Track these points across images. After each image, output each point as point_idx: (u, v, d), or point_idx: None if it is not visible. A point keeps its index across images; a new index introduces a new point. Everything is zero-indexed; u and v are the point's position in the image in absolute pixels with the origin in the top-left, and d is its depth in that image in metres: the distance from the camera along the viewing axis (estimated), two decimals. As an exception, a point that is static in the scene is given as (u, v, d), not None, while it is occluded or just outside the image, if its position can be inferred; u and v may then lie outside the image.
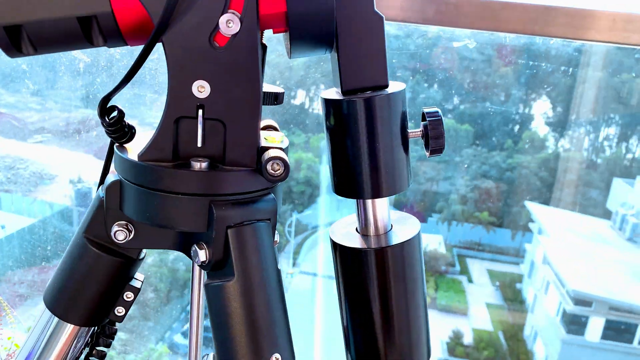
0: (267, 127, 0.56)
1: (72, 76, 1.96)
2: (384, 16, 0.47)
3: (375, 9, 0.47)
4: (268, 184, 0.48)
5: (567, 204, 3.16)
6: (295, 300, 3.78)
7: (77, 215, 2.85)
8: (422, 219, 4.53)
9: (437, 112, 0.50)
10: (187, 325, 0.60)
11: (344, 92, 0.49)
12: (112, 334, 0.53)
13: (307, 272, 4.10)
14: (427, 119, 0.50)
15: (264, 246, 0.46)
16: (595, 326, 3.54)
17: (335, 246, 0.52)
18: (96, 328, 0.53)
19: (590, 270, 3.63)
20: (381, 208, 0.51)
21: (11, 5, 0.42)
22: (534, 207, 3.59)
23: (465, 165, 3.40)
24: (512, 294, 4.31)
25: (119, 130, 0.48)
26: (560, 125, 3.14)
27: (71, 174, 2.75)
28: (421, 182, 3.49)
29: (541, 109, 3.21)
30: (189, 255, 0.47)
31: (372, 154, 0.48)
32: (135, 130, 0.50)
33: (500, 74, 2.71)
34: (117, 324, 0.55)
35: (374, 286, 0.50)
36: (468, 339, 4.11)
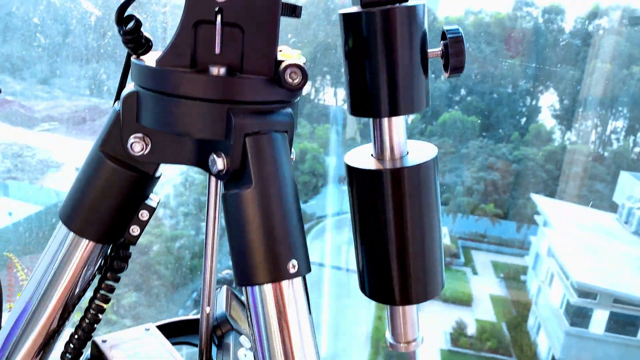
0: (281, 50, 0.56)
1: (79, 65, 1.96)
2: None
3: None
4: (286, 95, 0.47)
5: (573, 196, 3.15)
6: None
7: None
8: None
9: (458, 29, 0.49)
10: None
11: (363, 5, 0.47)
12: (126, 258, 0.52)
13: (313, 262, 4.12)
14: (448, 36, 0.49)
15: (281, 156, 0.45)
16: (599, 318, 3.54)
17: (351, 171, 0.50)
18: (110, 251, 0.53)
19: (595, 262, 3.62)
20: (397, 129, 0.50)
21: None
22: (539, 200, 3.58)
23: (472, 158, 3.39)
24: (516, 286, 4.32)
25: (136, 40, 0.47)
26: (567, 118, 3.12)
27: (77, 161, 2.77)
28: (426, 174, 3.48)
29: (548, 101, 3.19)
30: (206, 169, 0.47)
31: (390, 70, 0.47)
32: (152, 43, 0.49)
33: (508, 65, 2.69)
34: (135, 243, 0.53)
35: (390, 209, 0.48)
36: (471, 330, 4.13)
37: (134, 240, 0.51)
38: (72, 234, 0.50)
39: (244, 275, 0.44)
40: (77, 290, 0.53)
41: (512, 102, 3.10)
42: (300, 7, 0.50)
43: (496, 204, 3.80)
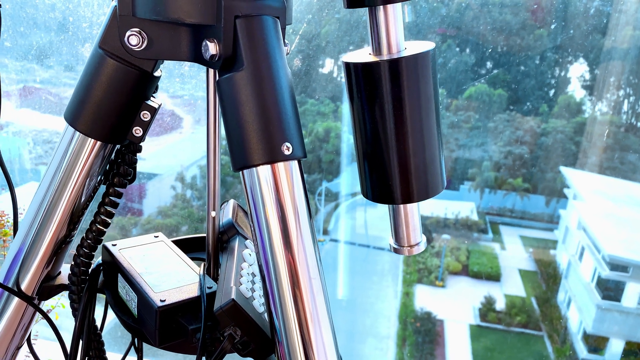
0: None
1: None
2: None
3: None
4: None
5: (604, 169, 3.08)
6: (325, 268, 3.83)
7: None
8: (454, 186, 4.49)
9: None
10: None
11: None
12: (132, 163, 0.54)
13: (337, 240, 4.14)
14: None
15: (272, 39, 0.45)
16: (631, 291, 3.49)
17: (348, 67, 0.50)
18: (116, 157, 0.54)
19: (628, 235, 3.55)
20: (394, 20, 0.49)
21: None
22: (569, 173, 3.51)
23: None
24: (545, 260, 4.27)
25: None
26: (597, 88, 3.04)
27: (106, 146, 2.81)
28: (453, 149, 3.45)
29: (578, 71, 3.10)
30: (202, 62, 0.48)
31: None
32: None
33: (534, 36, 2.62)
34: (139, 143, 0.54)
35: (388, 102, 0.48)
36: (500, 305, 4.11)
37: (137, 140, 0.52)
38: (78, 134, 0.52)
39: (240, 158, 0.44)
40: (84, 194, 0.54)
41: (540, 74, 3.03)
42: None
43: (524, 178, 3.74)
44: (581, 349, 3.62)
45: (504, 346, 3.99)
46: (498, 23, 2.55)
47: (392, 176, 0.50)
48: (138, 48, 0.48)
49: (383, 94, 0.48)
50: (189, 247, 0.65)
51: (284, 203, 0.45)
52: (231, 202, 0.65)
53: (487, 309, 4.08)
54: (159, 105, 0.53)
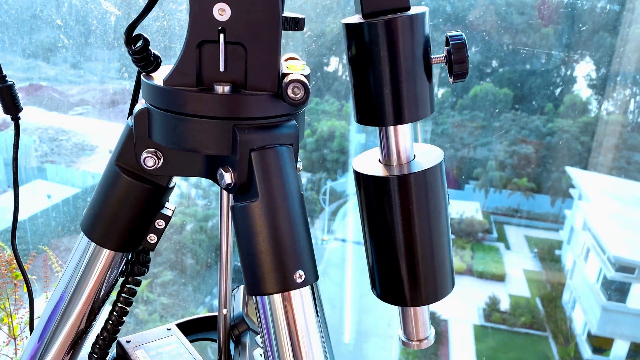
0: (289, 59, 0.56)
1: (107, 50, 1.98)
2: None
3: None
4: (290, 109, 0.48)
5: (610, 168, 3.07)
6: (330, 266, 3.83)
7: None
8: (459, 185, 4.48)
9: (461, 35, 0.49)
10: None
11: (364, 15, 0.47)
12: (145, 262, 0.55)
13: (342, 239, 4.13)
14: (450, 42, 0.49)
15: (287, 169, 0.46)
16: (637, 293, 3.47)
17: (358, 176, 0.52)
18: (131, 257, 0.55)
19: (634, 236, 3.54)
20: (404, 136, 0.50)
21: None
22: (574, 172, 3.50)
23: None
24: (550, 260, 4.25)
25: (145, 59, 0.49)
26: (603, 88, 3.02)
27: (111, 144, 2.82)
28: (458, 148, 3.44)
29: (584, 70, 3.09)
30: (216, 180, 0.48)
31: (393, 79, 0.47)
32: (161, 60, 0.51)
33: (540, 34, 2.61)
34: (153, 249, 0.56)
35: (397, 214, 0.49)
36: (505, 305, 4.10)
37: (152, 247, 0.54)
38: (93, 244, 0.54)
39: (254, 286, 0.46)
40: (101, 293, 0.56)
41: (545, 73, 3.01)
42: (303, 19, 0.51)
43: (529, 178, 3.73)
44: (586, 349, 3.61)
45: (508, 346, 3.97)
46: (504, 21, 2.54)
47: (401, 280, 0.51)
48: (154, 167, 0.50)
49: (392, 206, 0.49)
50: (200, 327, 0.66)
51: (296, 330, 0.46)
52: (241, 289, 0.66)
53: (491, 309, 4.07)
54: (173, 211, 0.55)
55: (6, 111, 0.55)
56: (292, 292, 0.45)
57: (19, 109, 0.55)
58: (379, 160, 0.52)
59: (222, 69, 0.46)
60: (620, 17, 2.43)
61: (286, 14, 0.50)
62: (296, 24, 0.51)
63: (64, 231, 2.62)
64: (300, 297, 0.46)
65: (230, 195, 0.52)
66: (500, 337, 3.97)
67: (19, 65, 1.99)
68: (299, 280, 0.45)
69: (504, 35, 2.55)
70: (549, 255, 4.25)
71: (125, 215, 0.52)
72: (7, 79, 0.54)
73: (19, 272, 1.18)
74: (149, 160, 0.49)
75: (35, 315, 0.61)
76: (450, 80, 0.49)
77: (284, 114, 0.48)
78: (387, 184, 0.49)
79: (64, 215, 2.76)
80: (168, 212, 0.54)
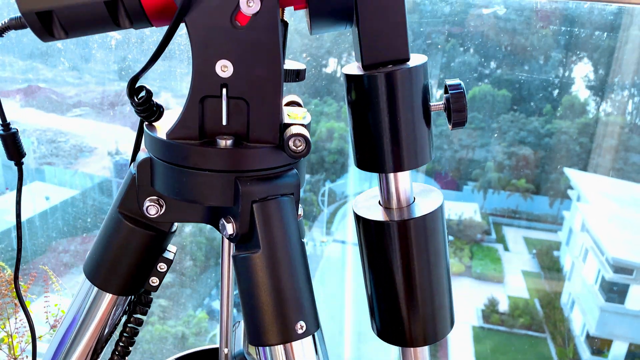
0: (291, 103, 0.57)
1: (106, 52, 1.99)
2: None
3: None
4: (291, 159, 0.49)
5: (608, 170, 3.07)
6: (328, 268, 3.83)
7: (116, 187, 2.93)
8: (457, 187, 4.48)
9: (460, 84, 0.50)
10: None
11: (364, 67, 0.48)
12: (147, 303, 0.56)
13: (340, 241, 4.13)
14: (449, 91, 0.49)
15: (288, 220, 0.47)
16: (635, 294, 3.47)
17: (358, 219, 0.53)
18: (133, 297, 0.56)
19: (632, 237, 3.54)
20: (403, 181, 0.51)
21: None
22: (573, 174, 3.50)
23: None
24: (549, 262, 4.25)
25: (148, 110, 0.50)
26: (602, 89, 3.03)
27: (109, 146, 2.82)
28: (456, 150, 3.44)
29: (582, 71, 3.09)
30: (218, 228, 0.49)
31: (393, 128, 0.48)
32: (163, 109, 0.51)
33: (537, 37, 2.61)
34: (155, 291, 0.57)
35: (397, 258, 0.50)
36: (504, 307, 4.10)
37: (154, 289, 0.55)
38: (95, 288, 0.54)
39: (255, 336, 0.46)
40: (104, 334, 0.57)
41: (544, 74, 3.01)
42: (304, 70, 0.52)
43: (528, 179, 3.73)
44: (584, 350, 3.61)
45: (507, 348, 3.97)
46: (502, 22, 2.55)
47: (401, 322, 0.52)
48: (156, 215, 0.51)
49: (392, 250, 0.50)
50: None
51: None
52: (241, 325, 0.67)
53: (490, 310, 4.07)
54: (175, 254, 0.56)
55: (10, 157, 0.56)
56: (293, 343, 0.46)
57: (22, 155, 0.56)
58: (379, 202, 0.53)
59: (224, 122, 0.47)
60: (619, 18, 2.44)
61: (287, 65, 0.51)
62: (297, 75, 0.52)
63: (62, 233, 2.62)
64: (302, 348, 0.46)
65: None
66: (499, 338, 3.97)
67: (18, 67, 1.99)
68: (300, 331, 0.46)
69: (502, 36, 2.55)
70: (547, 256, 4.25)
71: (127, 261, 0.53)
72: (10, 126, 0.55)
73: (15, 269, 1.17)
74: (152, 209, 0.50)
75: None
76: (449, 127, 0.50)
77: (285, 164, 0.49)
78: (387, 229, 0.50)
79: (63, 217, 2.75)
80: (170, 256, 0.55)
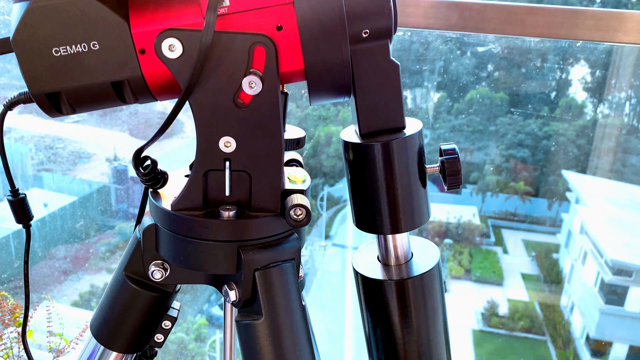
0: (291, 161, 0.58)
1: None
2: (399, 64, 0.49)
3: (391, 57, 0.48)
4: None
5: (606, 171, 3.08)
6: (328, 272, 3.82)
7: (115, 193, 2.93)
8: (456, 190, 4.46)
9: (454, 149, 0.51)
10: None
11: (362, 135, 0.50)
12: (152, 356, 0.57)
13: (339, 245, 4.13)
14: (444, 156, 0.51)
15: (289, 287, 0.48)
16: (635, 296, 3.47)
17: (357, 275, 0.54)
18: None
19: (631, 239, 3.54)
20: (401, 241, 0.53)
21: (51, 75, 0.46)
22: (571, 176, 3.51)
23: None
24: (548, 264, 4.25)
25: (153, 179, 0.52)
26: (599, 90, 3.04)
27: (107, 152, 2.82)
28: (454, 153, 3.44)
29: (579, 74, 3.10)
30: (221, 291, 0.51)
31: (390, 194, 0.50)
32: (167, 175, 0.53)
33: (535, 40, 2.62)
34: (160, 347, 0.58)
35: (396, 315, 0.51)
36: (503, 310, 4.10)
37: (159, 345, 0.57)
38: (101, 346, 0.55)
39: None
40: None
41: (541, 76, 3.02)
42: (304, 137, 0.53)
43: (526, 182, 3.74)
44: (585, 353, 3.61)
45: (507, 351, 3.97)
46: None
47: None
48: (161, 279, 0.52)
49: (390, 307, 0.52)
50: None
51: None
52: None
53: (490, 313, 4.06)
54: (179, 310, 0.58)
55: (18, 221, 0.58)
56: None
57: (30, 218, 0.58)
58: (378, 258, 0.55)
59: (227, 194, 0.48)
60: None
61: (287, 134, 0.53)
62: (297, 144, 0.54)
63: (60, 240, 2.61)
64: None
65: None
66: (499, 341, 3.96)
67: (16, 73, 1.98)
68: None
69: (499, 39, 2.56)
70: (546, 259, 4.25)
71: (132, 321, 0.55)
72: (19, 192, 0.57)
73: (22, 321, 1.18)
74: (157, 273, 0.52)
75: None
76: (445, 188, 0.51)
77: (286, 230, 0.50)
78: (385, 287, 0.52)
79: (61, 224, 2.75)
80: (174, 313, 0.57)
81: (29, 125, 2.46)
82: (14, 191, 0.57)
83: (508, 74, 2.88)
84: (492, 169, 3.65)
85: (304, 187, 0.51)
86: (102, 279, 2.95)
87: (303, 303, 0.51)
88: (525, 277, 4.37)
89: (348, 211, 4.25)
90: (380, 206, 0.50)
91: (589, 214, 3.64)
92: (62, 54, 0.46)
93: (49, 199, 2.71)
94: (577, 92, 3.18)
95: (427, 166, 0.52)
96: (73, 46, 0.46)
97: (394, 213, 0.50)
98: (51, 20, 0.45)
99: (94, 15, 0.45)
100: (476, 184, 3.85)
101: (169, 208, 0.50)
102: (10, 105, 0.53)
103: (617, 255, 3.43)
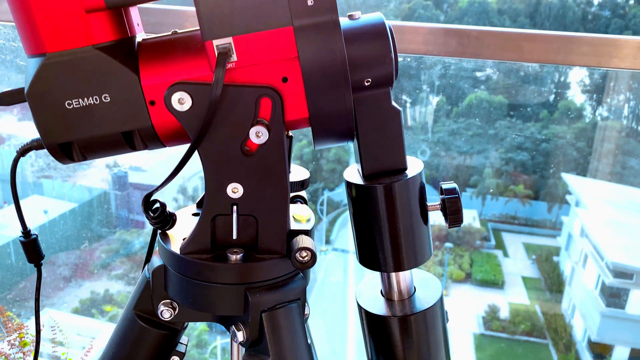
0: (295, 197, 0.59)
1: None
2: (400, 109, 0.50)
3: (393, 103, 0.50)
4: None
5: (606, 174, 3.08)
6: (329, 277, 3.82)
7: (115, 199, 2.92)
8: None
9: (455, 188, 0.52)
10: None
11: (364, 177, 0.51)
12: None
13: (340, 249, 4.13)
14: (445, 195, 0.52)
15: (295, 327, 0.49)
16: (636, 299, 3.47)
17: (361, 309, 0.55)
18: None
19: (631, 242, 3.54)
20: (404, 277, 0.54)
21: (64, 126, 0.48)
22: (570, 179, 3.51)
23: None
24: (549, 267, 4.25)
25: (162, 221, 0.53)
26: (597, 93, 3.04)
27: (107, 158, 2.82)
28: (454, 157, 3.45)
29: (577, 76, 3.11)
30: (229, 330, 0.52)
31: (393, 233, 0.51)
32: (176, 217, 0.55)
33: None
34: None
35: (399, 348, 0.53)
36: (504, 313, 4.09)
37: None
38: None
39: None
40: None
41: (539, 80, 3.03)
42: (308, 179, 0.54)
43: (526, 185, 3.74)
44: (586, 356, 3.60)
45: (508, 355, 3.96)
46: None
47: None
48: (170, 318, 0.53)
49: (394, 342, 0.53)
50: None
51: None
52: None
53: (491, 317, 4.05)
54: (187, 345, 0.59)
55: (30, 261, 0.59)
56: None
57: (42, 257, 0.59)
58: (381, 292, 0.56)
59: (234, 237, 0.50)
60: (612, 22, 2.45)
61: (292, 177, 0.54)
62: (302, 185, 0.56)
63: (61, 247, 2.61)
64: None
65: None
66: (500, 345, 3.95)
67: (15, 80, 1.99)
68: None
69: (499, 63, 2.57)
70: (547, 262, 4.25)
71: (141, 359, 0.55)
72: (31, 233, 0.58)
73: (27, 341, 1.19)
74: (166, 313, 0.53)
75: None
76: (447, 225, 0.52)
77: (292, 270, 0.51)
78: (389, 322, 0.53)
79: (61, 231, 2.74)
80: (182, 349, 0.58)
81: (28, 131, 2.47)
82: (26, 232, 0.58)
83: (507, 77, 2.89)
84: (491, 172, 3.65)
85: (308, 227, 0.52)
86: (103, 286, 2.95)
87: (309, 341, 0.51)
88: (526, 280, 4.36)
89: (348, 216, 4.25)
90: (383, 245, 0.51)
91: (589, 216, 3.63)
92: (75, 106, 0.47)
93: (49, 206, 2.71)
94: (576, 95, 3.18)
95: (428, 204, 0.53)
96: (85, 99, 0.47)
97: (396, 252, 0.51)
98: (64, 75, 0.47)
99: (105, 69, 0.46)
100: (476, 187, 3.85)
101: (177, 251, 0.51)
102: (23, 152, 0.55)
103: (618, 257, 3.43)
